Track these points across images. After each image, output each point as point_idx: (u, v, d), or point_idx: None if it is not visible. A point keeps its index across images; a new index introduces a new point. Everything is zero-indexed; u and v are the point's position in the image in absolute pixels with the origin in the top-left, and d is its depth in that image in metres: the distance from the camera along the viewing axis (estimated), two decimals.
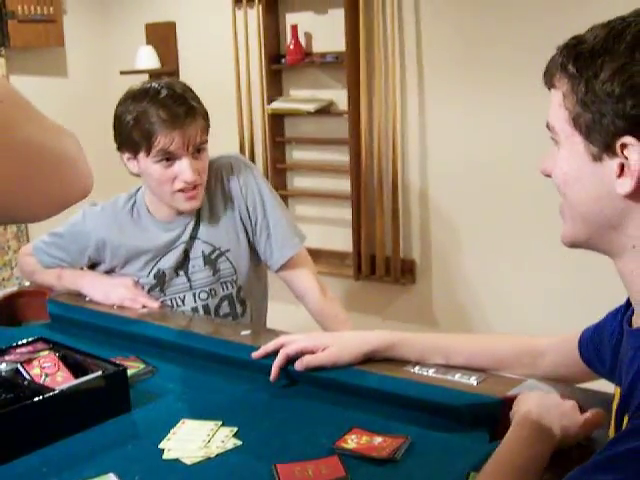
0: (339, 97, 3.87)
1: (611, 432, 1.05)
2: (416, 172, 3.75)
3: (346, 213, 3.93)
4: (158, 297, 2.11)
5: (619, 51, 0.88)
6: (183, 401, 1.58)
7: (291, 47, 3.89)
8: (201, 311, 2.12)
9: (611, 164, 0.91)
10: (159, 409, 1.51)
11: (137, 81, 2.08)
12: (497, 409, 1.32)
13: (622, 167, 0.91)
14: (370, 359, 1.53)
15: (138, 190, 2.16)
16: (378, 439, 1.29)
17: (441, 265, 3.81)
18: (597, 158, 0.93)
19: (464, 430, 1.33)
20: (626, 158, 0.90)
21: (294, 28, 3.88)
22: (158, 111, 1.90)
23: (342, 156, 3.90)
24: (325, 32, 3.91)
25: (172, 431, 1.38)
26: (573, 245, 1.03)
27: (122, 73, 4.43)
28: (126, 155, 2.01)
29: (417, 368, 1.48)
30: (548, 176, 1.03)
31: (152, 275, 2.11)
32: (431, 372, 1.46)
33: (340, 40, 3.71)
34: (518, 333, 3.62)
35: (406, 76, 3.67)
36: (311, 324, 2.16)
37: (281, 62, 4.00)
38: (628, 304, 1.15)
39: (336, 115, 3.91)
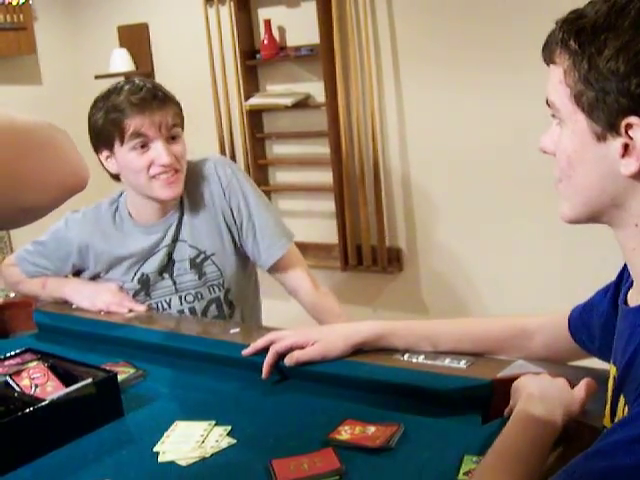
0: (316, 89, 3.87)
1: (607, 410, 1.05)
2: (397, 160, 3.75)
3: (330, 205, 3.93)
4: (144, 301, 2.10)
5: (623, 27, 0.86)
6: (175, 403, 1.58)
7: (265, 42, 3.88)
8: (188, 314, 2.11)
9: (615, 144, 0.90)
10: (152, 413, 1.51)
11: None
12: (488, 391, 1.33)
13: (626, 147, 0.89)
14: (359, 350, 1.53)
15: (120, 195, 2.16)
16: (371, 428, 1.30)
17: (427, 252, 3.82)
18: (601, 137, 0.91)
19: (456, 414, 1.33)
20: (630, 138, 0.88)
21: (267, 23, 3.87)
22: (127, 98, 1.91)
23: (322, 148, 3.90)
24: (298, 25, 3.90)
25: (166, 434, 1.38)
26: (573, 223, 1.02)
27: (97, 77, 4.40)
28: (103, 154, 2.00)
29: (407, 355, 1.49)
30: (547, 153, 1.01)
31: (136, 280, 2.10)
32: (421, 359, 1.47)
33: (314, 32, 3.70)
34: (508, 311, 3.62)
35: (382, 64, 3.67)
36: (303, 319, 2.15)
37: (256, 58, 4.00)
38: (618, 282, 1.15)
39: (314, 108, 3.91)
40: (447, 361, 1.45)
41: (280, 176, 4.21)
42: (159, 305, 2.11)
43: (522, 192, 3.39)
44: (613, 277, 1.19)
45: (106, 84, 2.03)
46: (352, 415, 1.35)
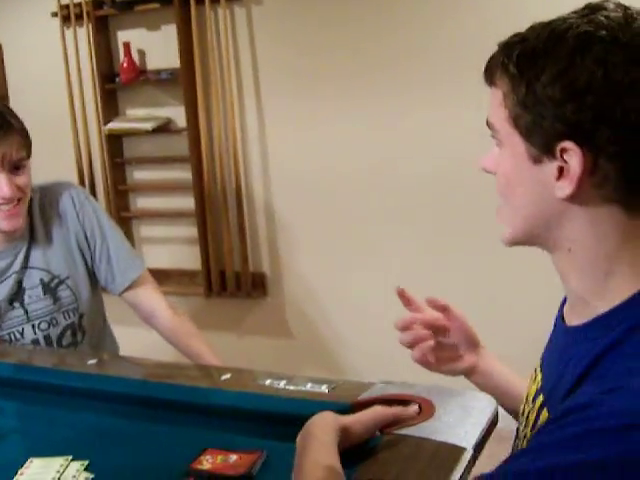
0: (177, 114, 3.85)
1: (525, 407, 1.10)
2: (260, 185, 3.78)
3: (192, 231, 3.90)
4: None
5: (561, 54, 0.88)
6: (29, 439, 1.51)
7: (125, 65, 3.83)
8: (42, 342, 2.04)
9: (550, 167, 0.92)
10: (3, 451, 1.44)
11: None
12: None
13: (561, 170, 0.91)
14: (220, 377, 1.52)
15: None
16: (233, 457, 1.28)
17: (291, 276, 3.85)
18: (537, 160, 0.93)
19: None
20: (565, 162, 0.90)
21: (126, 46, 3.82)
22: None
23: (184, 174, 3.87)
24: (159, 49, 3.88)
25: (20, 472, 1.32)
26: (513, 244, 1.04)
27: None
28: None
29: (268, 381, 1.49)
30: (488, 172, 1.03)
31: None
32: (282, 384, 1.47)
33: (175, 56, 3.69)
34: (371, 335, 3.70)
35: (243, 89, 3.69)
36: (163, 345, 2.12)
37: (115, 81, 3.94)
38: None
39: (175, 133, 3.89)
40: (309, 386, 1.46)
41: (141, 202, 4.15)
42: (11, 336, 2.03)
43: (380, 213, 3.49)
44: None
45: None
46: (214, 444, 1.33)
